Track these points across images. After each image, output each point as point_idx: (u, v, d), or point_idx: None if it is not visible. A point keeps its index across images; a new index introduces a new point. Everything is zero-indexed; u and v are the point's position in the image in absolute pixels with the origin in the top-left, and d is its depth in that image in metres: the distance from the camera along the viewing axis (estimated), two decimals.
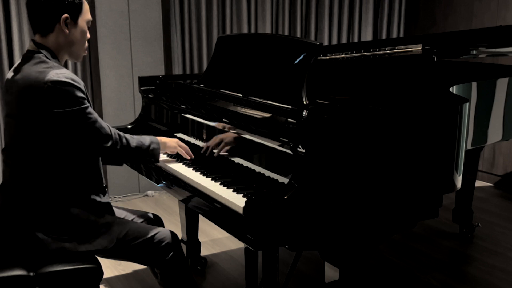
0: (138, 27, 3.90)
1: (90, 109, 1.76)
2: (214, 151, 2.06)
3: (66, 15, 1.76)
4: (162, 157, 2.17)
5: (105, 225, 1.83)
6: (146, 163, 2.16)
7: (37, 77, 1.70)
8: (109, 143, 1.80)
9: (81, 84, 1.74)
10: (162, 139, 2.05)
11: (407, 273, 2.78)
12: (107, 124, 1.84)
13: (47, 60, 1.75)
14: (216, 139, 2.07)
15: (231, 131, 1.97)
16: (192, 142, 2.27)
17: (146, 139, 1.96)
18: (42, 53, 1.76)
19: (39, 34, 1.79)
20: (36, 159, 1.75)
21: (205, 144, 2.14)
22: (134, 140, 1.91)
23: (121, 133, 1.88)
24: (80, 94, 1.72)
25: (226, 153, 2.02)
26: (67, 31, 1.78)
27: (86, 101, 1.75)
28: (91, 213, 1.81)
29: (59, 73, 1.69)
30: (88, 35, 1.87)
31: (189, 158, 2.13)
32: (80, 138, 1.75)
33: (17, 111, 1.75)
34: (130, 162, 1.93)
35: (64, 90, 1.68)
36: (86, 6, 1.83)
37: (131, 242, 1.85)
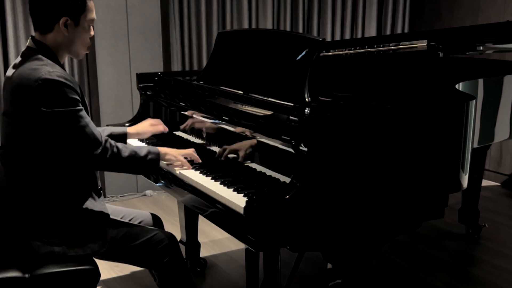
0: (136, 23, 3.86)
1: (83, 113, 1.71)
2: (213, 149, 2.02)
3: (65, 17, 1.72)
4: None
5: (98, 228, 1.80)
6: (146, 173, 2.10)
7: (29, 74, 1.67)
8: (99, 151, 1.72)
9: (75, 84, 1.70)
10: (163, 149, 1.93)
11: (411, 274, 2.76)
12: (99, 132, 1.76)
13: (43, 58, 1.72)
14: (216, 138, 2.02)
15: (231, 129, 1.93)
16: (191, 140, 2.23)
17: (142, 150, 1.85)
18: (39, 50, 1.74)
19: (38, 31, 1.77)
20: (29, 159, 1.73)
21: (204, 142, 2.11)
22: (128, 150, 1.81)
23: (113, 142, 1.78)
24: (72, 95, 1.68)
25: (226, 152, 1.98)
26: (66, 33, 1.75)
27: (79, 103, 1.70)
28: (84, 215, 1.78)
29: (52, 72, 1.66)
30: (92, 33, 1.82)
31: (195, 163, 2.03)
32: (68, 141, 1.69)
33: (11, 109, 1.73)
34: (125, 171, 1.88)
35: (55, 89, 1.65)
36: (90, 5, 1.79)
37: (128, 244, 1.84)
